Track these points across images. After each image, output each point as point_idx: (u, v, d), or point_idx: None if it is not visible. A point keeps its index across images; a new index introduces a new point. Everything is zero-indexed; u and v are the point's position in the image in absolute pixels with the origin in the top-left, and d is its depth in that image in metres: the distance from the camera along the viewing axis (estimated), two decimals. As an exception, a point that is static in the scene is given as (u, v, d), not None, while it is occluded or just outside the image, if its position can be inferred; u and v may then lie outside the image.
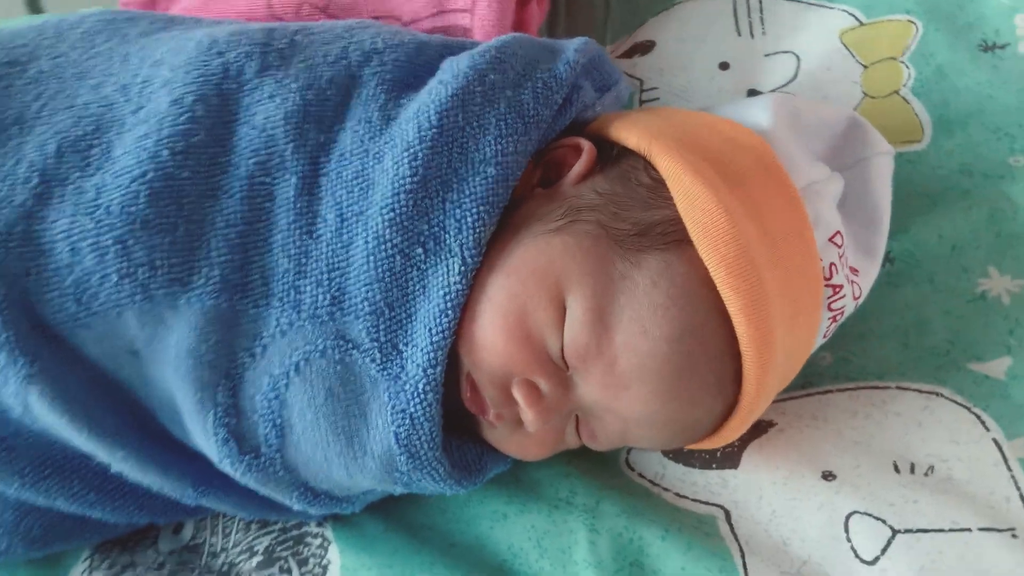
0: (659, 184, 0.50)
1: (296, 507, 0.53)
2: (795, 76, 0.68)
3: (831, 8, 0.70)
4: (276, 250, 0.51)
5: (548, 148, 0.55)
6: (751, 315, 0.47)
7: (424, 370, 0.48)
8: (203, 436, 0.50)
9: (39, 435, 0.51)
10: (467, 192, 0.50)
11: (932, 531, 0.50)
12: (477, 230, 0.49)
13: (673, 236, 0.49)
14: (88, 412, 0.49)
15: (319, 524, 0.59)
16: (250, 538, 0.59)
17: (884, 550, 0.50)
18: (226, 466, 0.50)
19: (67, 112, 0.52)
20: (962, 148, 0.64)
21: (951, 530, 0.50)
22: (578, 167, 0.53)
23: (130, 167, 0.49)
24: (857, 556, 0.51)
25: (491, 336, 0.49)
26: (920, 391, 0.57)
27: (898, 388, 0.58)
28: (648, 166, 0.51)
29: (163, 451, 0.53)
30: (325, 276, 0.50)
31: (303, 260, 0.51)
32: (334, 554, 0.58)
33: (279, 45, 0.55)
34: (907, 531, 0.51)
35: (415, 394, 0.48)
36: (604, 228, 0.49)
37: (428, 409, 0.49)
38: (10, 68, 0.55)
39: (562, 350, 0.49)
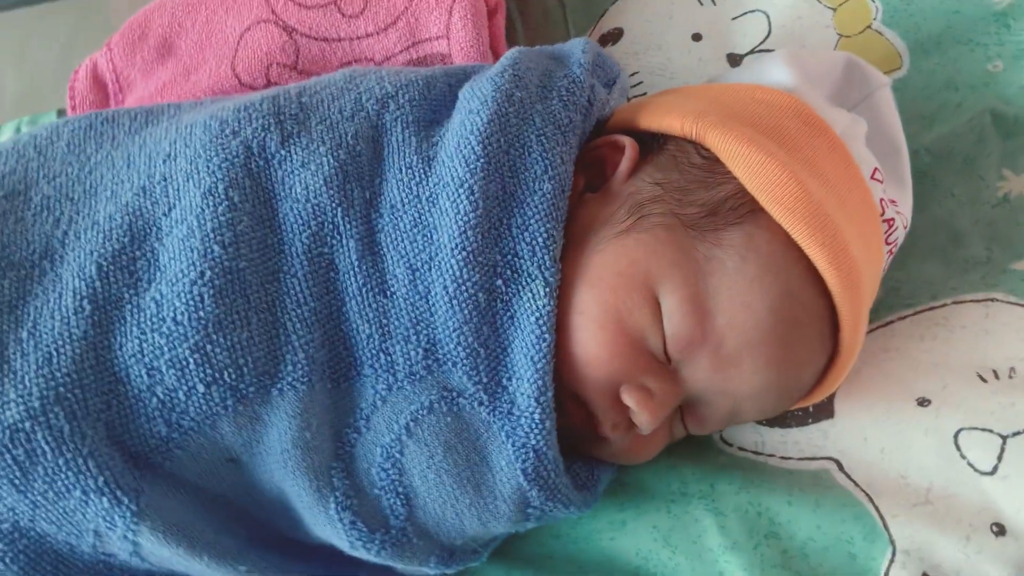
0: (713, 162, 0.51)
1: (433, 572, 0.51)
2: (769, 31, 0.70)
3: (785, -39, 0.73)
4: (353, 318, 0.49)
5: (584, 152, 0.54)
6: (839, 265, 0.48)
7: (536, 399, 0.47)
8: (327, 525, 0.48)
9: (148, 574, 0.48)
10: (530, 213, 0.49)
11: (1040, 428, 0.53)
12: (550, 248, 0.49)
13: (744, 208, 0.49)
14: (202, 536, 0.46)
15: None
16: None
17: (1000, 457, 0.52)
18: (359, 549, 0.48)
19: (94, 231, 0.49)
20: (941, 66, 0.67)
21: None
22: (625, 163, 0.53)
23: (184, 271, 0.47)
24: (976, 470, 0.53)
25: (594, 350, 0.48)
26: (975, 301, 0.60)
27: (954, 304, 0.60)
28: (696, 147, 0.52)
29: (283, 555, 0.50)
30: (411, 332, 0.49)
31: (384, 321, 0.49)
32: (465, 607, 0.57)
33: (291, 111, 0.53)
34: (1015, 434, 0.53)
35: (532, 426, 0.48)
36: (674, 216, 0.50)
37: (548, 438, 0.48)
38: (12, 200, 0.51)
39: (664, 345, 0.49)
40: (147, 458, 0.46)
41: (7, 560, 0.45)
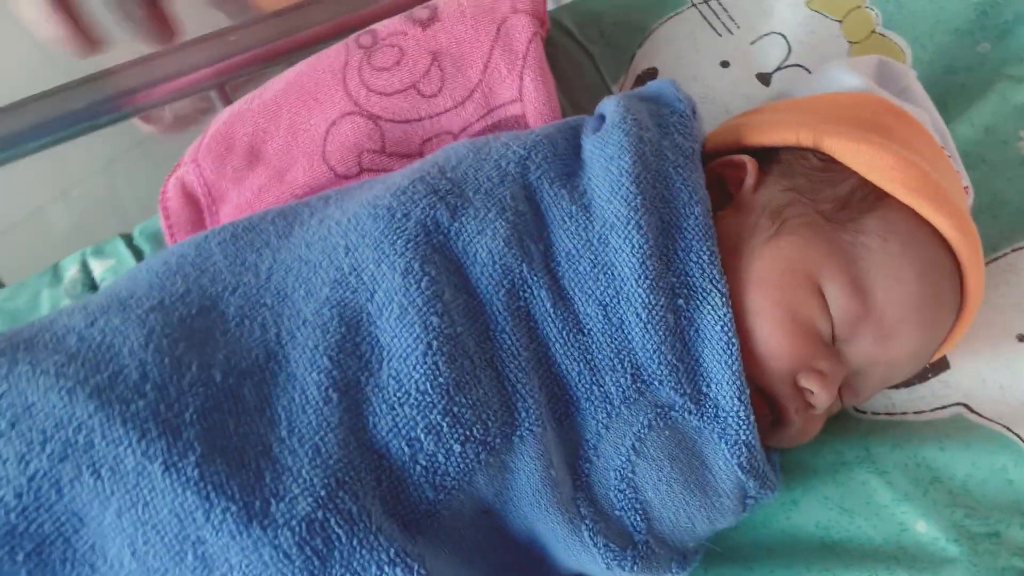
0: (829, 162, 0.58)
1: (672, 575, 0.55)
2: (789, 49, 0.78)
3: (784, -15, 0.82)
4: (560, 360, 0.53)
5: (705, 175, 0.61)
6: (963, 230, 0.56)
7: (738, 398, 0.53)
8: (583, 552, 0.51)
9: None
10: (689, 236, 0.55)
11: None
12: (716, 263, 0.54)
13: (872, 197, 0.56)
14: None
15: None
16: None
17: (1104, 369, 0.61)
18: (614, 568, 0.51)
19: (307, 328, 0.51)
20: (938, 56, 0.77)
21: None
22: (751, 178, 0.59)
23: (412, 345, 0.50)
24: (1087, 384, 0.61)
25: (776, 343, 0.54)
26: (1027, 246, 0.69)
27: (1013, 251, 0.69)
28: (814, 152, 0.59)
29: None
30: (616, 361, 0.53)
31: (588, 357, 0.53)
32: (680, 612, 0.60)
33: (445, 187, 0.57)
34: (1108, 345, 0.62)
35: (739, 423, 0.53)
36: (814, 214, 0.56)
37: (754, 432, 0.53)
38: (207, 316, 0.52)
39: (832, 329, 0.55)
40: (418, 524, 0.48)
41: None
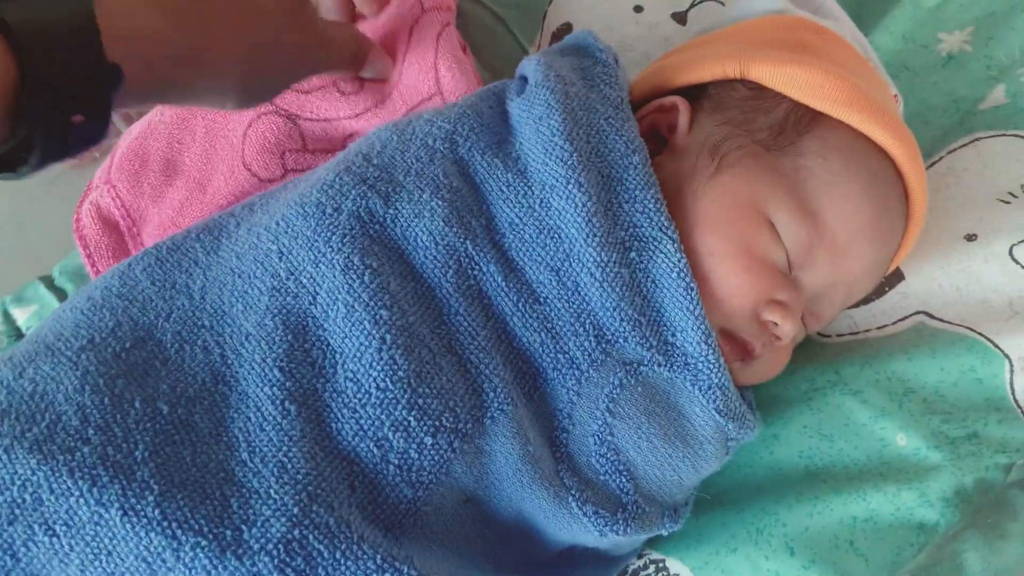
0: (758, 90, 0.57)
1: (667, 532, 0.54)
2: (704, -17, 0.77)
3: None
4: (521, 332, 0.51)
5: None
6: (901, 138, 0.55)
7: (705, 342, 0.52)
8: (573, 523, 0.50)
9: None
10: (631, 186, 0.53)
11: (1070, 221, 0.62)
12: (662, 210, 0.53)
13: (806, 118, 0.56)
14: (477, 573, 0.48)
15: (640, 556, 0.61)
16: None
17: (1051, 254, 0.62)
18: (608, 534, 0.50)
19: (252, 342, 0.49)
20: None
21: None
22: (683, 118, 0.58)
23: (365, 343, 0.48)
24: (1038, 273, 0.62)
25: (734, 281, 0.53)
26: (964, 145, 0.69)
27: (948, 153, 0.69)
28: (736, 83, 0.58)
29: (533, 571, 0.52)
30: (577, 325, 0.52)
31: (549, 325, 0.52)
32: (677, 565, 0.60)
33: (373, 175, 0.54)
34: (1054, 234, 0.62)
35: (710, 367, 0.52)
36: (751, 144, 0.55)
37: (725, 373, 0.52)
38: (143, 348, 0.49)
39: (787, 258, 0.54)
40: (401, 524, 0.46)
41: None
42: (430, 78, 0.68)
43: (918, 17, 0.74)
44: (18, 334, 0.71)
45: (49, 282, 0.73)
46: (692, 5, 0.77)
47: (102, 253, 0.67)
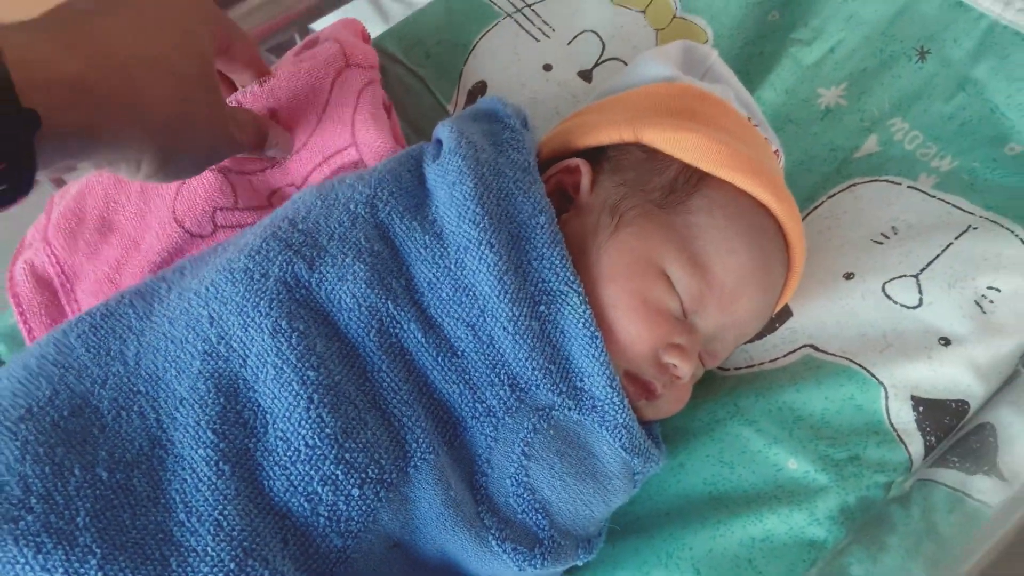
0: (651, 153, 0.63)
1: (581, 562, 0.58)
2: (604, 45, 0.83)
3: (588, -15, 0.87)
4: (440, 385, 0.56)
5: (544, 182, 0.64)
6: (779, 196, 0.61)
7: (610, 386, 0.57)
8: (494, 560, 0.54)
9: None
10: (539, 244, 0.58)
11: (933, 260, 0.69)
12: (567, 266, 0.58)
13: (693, 178, 0.61)
14: None
15: (563, 579, 0.65)
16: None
17: (920, 291, 0.68)
18: (526, 569, 0.55)
19: (186, 406, 0.52)
20: (735, 29, 0.84)
21: (942, 249, 0.69)
22: (586, 179, 0.63)
23: (293, 403, 0.51)
24: (908, 308, 0.68)
25: (635, 330, 0.58)
26: (842, 190, 0.76)
27: (828, 198, 0.76)
28: (631, 146, 0.63)
29: None
30: (493, 376, 0.56)
31: (466, 377, 0.56)
32: (597, 589, 0.64)
33: (298, 240, 0.58)
34: (920, 270, 0.69)
35: (615, 408, 0.57)
36: (646, 204, 0.61)
37: (629, 412, 0.57)
38: (80, 416, 0.52)
39: (682, 306, 0.60)
40: (332, 572, 0.50)
41: None
42: (347, 130, 0.72)
43: (799, 74, 0.81)
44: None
45: (-21, 340, 0.74)
46: (596, 64, 0.83)
47: (35, 311, 0.69)
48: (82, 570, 0.45)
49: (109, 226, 0.70)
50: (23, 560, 0.45)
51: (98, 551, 0.46)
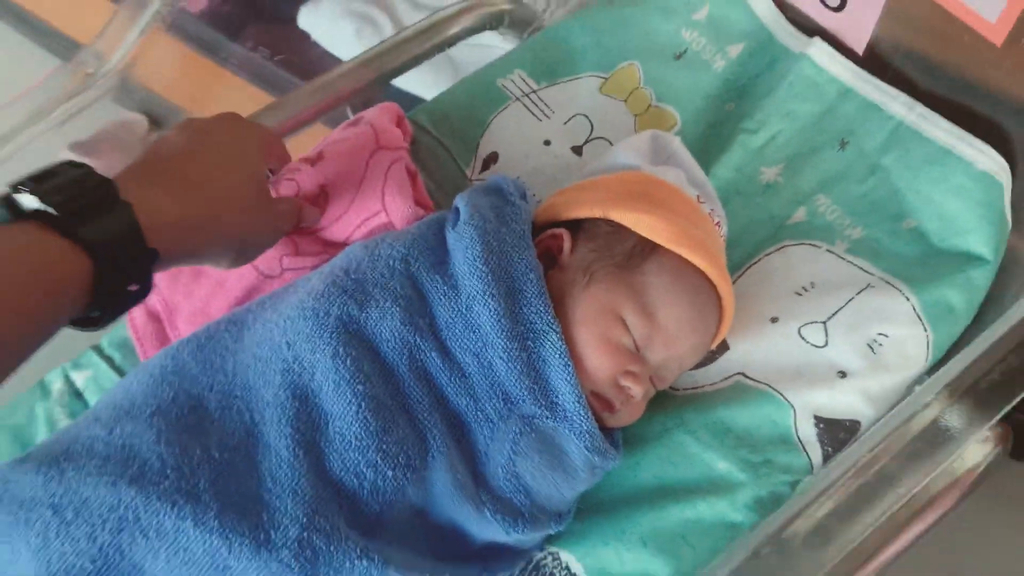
0: (617, 227, 0.83)
1: (553, 531, 0.79)
2: (592, 126, 1.03)
3: (580, 77, 1.07)
4: (452, 398, 0.76)
5: (536, 245, 0.84)
6: (712, 262, 0.81)
7: (578, 402, 0.76)
8: (488, 527, 0.74)
9: None
10: (529, 296, 0.78)
11: (838, 311, 0.89)
12: (550, 311, 0.78)
13: (647, 248, 0.81)
14: (418, 563, 0.72)
15: (541, 549, 0.85)
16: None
17: (826, 334, 0.88)
18: (511, 533, 0.75)
19: (272, 408, 0.72)
20: (698, 116, 1.03)
21: (846, 302, 0.89)
22: (566, 245, 0.83)
23: (347, 408, 0.71)
24: (817, 347, 0.87)
25: (598, 361, 0.78)
26: (776, 250, 0.95)
27: (765, 256, 0.96)
28: (601, 221, 0.83)
29: (456, 563, 0.76)
30: (491, 392, 0.76)
31: (471, 393, 0.76)
32: (567, 556, 0.84)
33: (352, 287, 0.78)
34: (828, 318, 0.89)
35: (581, 419, 0.77)
36: (611, 266, 0.81)
37: (592, 422, 0.77)
38: (197, 412, 0.72)
39: (635, 343, 0.80)
40: (372, 529, 0.70)
41: None
42: (378, 200, 0.93)
43: (747, 155, 1.00)
44: (77, 393, 0.93)
45: (99, 351, 0.95)
46: (586, 141, 1.03)
47: (147, 337, 0.90)
48: (204, 518, 0.66)
49: (199, 272, 0.91)
50: (163, 512, 0.66)
51: (215, 507, 0.66)
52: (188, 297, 0.90)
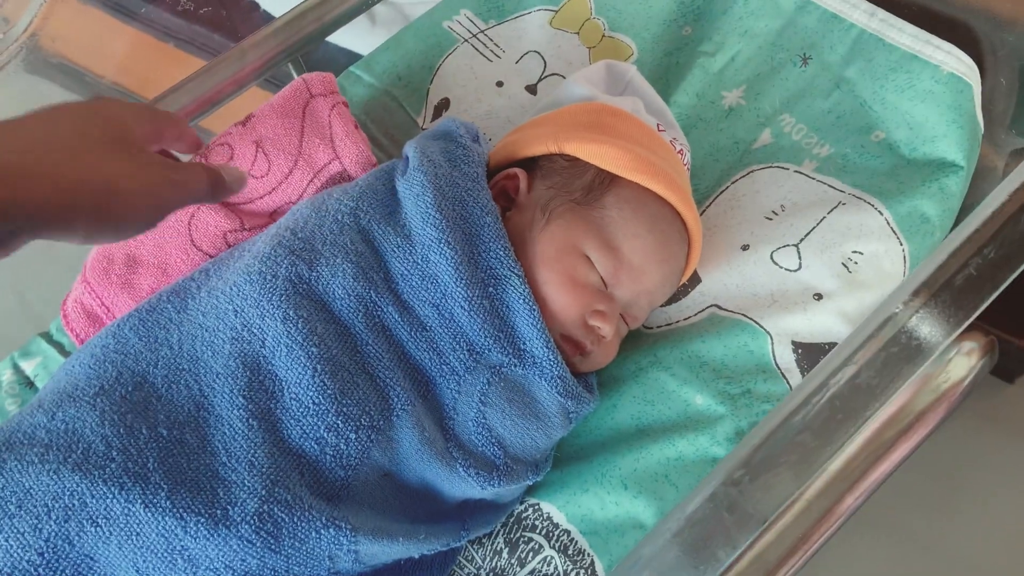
0: (573, 160, 0.79)
1: (531, 481, 0.76)
2: (545, 63, 0.99)
3: (529, 12, 1.02)
4: (413, 352, 0.72)
5: (491, 187, 0.80)
6: (673, 189, 0.78)
7: (546, 346, 0.73)
8: (462, 483, 0.71)
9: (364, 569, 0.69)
10: (486, 239, 0.74)
11: (810, 232, 0.85)
12: (510, 254, 0.74)
13: (606, 180, 0.78)
14: (390, 527, 0.69)
15: (521, 502, 0.82)
16: (489, 546, 0.81)
17: (799, 256, 0.85)
18: (488, 488, 0.72)
19: (222, 379, 0.68)
20: (655, 43, 0.99)
21: (818, 222, 0.85)
22: (522, 184, 0.79)
23: (302, 372, 0.68)
24: (790, 271, 0.84)
25: (565, 301, 0.75)
26: (743, 176, 0.92)
27: (732, 183, 0.92)
28: (557, 156, 0.79)
29: (431, 523, 0.73)
30: (454, 343, 0.73)
31: (434, 346, 0.73)
32: (548, 507, 0.82)
33: (299, 246, 0.74)
34: (800, 240, 0.85)
35: (551, 363, 0.74)
36: (569, 202, 0.77)
37: (563, 367, 0.74)
38: (142, 389, 0.69)
39: (602, 280, 0.76)
40: (338, 495, 0.67)
41: None
42: (326, 147, 0.88)
43: (706, 80, 0.97)
44: (29, 382, 0.89)
45: (48, 337, 0.91)
46: (540, 79, 0.99)
47: (88, 337, 0.85)
48: (155, 499, 0.62)
49: (135, 260, 0.86)
50: (110, 496, 0.62)
51: (165, 486, 0.63)
52: (126, 290, 0.85)
